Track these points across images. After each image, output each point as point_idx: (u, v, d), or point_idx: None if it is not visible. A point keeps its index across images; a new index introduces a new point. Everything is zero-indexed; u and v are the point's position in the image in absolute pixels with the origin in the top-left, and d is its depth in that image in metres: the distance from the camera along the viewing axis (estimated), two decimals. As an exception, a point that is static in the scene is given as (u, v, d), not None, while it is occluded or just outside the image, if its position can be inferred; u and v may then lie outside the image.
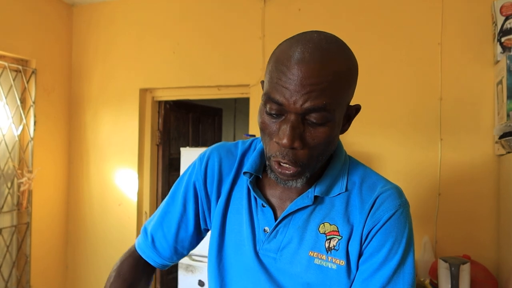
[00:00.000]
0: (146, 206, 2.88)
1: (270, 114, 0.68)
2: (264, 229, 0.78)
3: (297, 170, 0.69)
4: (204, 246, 2.54)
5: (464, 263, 1.64)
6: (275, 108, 0.66)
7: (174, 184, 0.91)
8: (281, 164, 0.69)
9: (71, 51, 3.07)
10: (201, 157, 0.88)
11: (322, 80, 0.63)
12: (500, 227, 1.95)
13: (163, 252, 0.87)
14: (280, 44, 0.72)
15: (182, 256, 0.91)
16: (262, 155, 0.81)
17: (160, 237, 0.87)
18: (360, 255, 0.73)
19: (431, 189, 2.15)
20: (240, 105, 4.62)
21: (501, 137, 1.79)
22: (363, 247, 0.73)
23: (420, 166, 2.18)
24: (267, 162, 0.73)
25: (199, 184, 0.86)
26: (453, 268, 1.62)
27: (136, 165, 2.85)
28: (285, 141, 0.65)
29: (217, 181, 0.85)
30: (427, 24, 2.20)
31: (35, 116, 2.72)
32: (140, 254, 0.88)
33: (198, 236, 0.90)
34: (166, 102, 3.02)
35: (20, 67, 2.66)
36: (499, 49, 1.97)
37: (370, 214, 0.73)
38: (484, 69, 2.10)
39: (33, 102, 2.72)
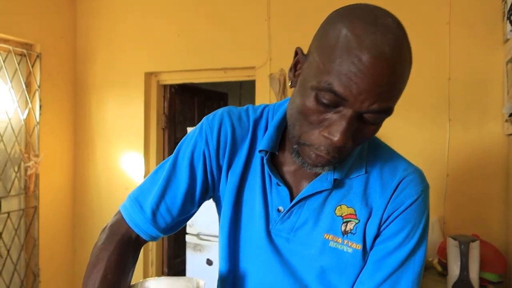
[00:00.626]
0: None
1: (321, 102, 0.59)
2: (278, 209, 0.75)
3: (334, 160, 0.64)
4: (211, 225, 2.53)
5: (473, 241, 1.63)
6: (331, 99, 0.58)
7: (175, 152, 0.80)
8: (319, 155, 0.63)
9: (75, 35, 3.05)
10: (210, 123, 0.78)
11: (396, 80, 0.57)
12: (509, 206, 1.94)
13: (165, 226, 0.78)
14: (341, 17, 0.60)
15: (181, 227, 0.84)
16: (278, 130, 0.75)
17: (163, 211, 0.76)
18: (376, 236, 0.72)
19: (440, 170, 2.14)
20: (245, 91, 4.60)
21: (511, 115, 1.78)
22: (381, 229, 0.71)
23: (428, 147, 2.17)
24: (294, 146, 0.67)
25: (210, 152, 0.77)
26: (462, 246, 1.62)
27: (142, 149, 2.85)
28: (337, 139, 0.59)
29: (229, 151, 0.77)
30: (435, 3, 2.17)
31: (40, 100, 2.72)
32: (134, 229, 0.77)
33: (199, 206, 0.83)
34: (171, 86, 3.00)
35: (24, 51, 2.65)
36: (508, 27, 1.94)
37: (392, 199, 0.70)
38: (493, 48, 2.07)
39: (38, 86, 2.71)
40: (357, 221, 0.71)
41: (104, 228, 0.78)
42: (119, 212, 0.80)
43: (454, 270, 1.64)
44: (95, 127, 3.01)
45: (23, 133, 2.70)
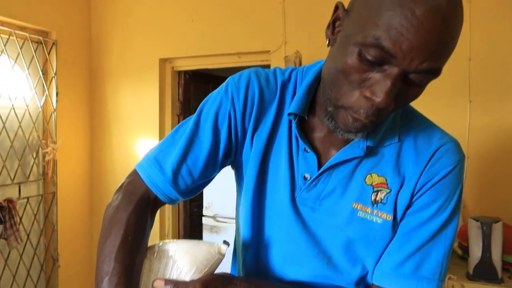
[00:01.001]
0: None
1: (365, 59, 0.55)
2: (304, 176, 0.71)
3: (370, 126, 0.61)
4: (227, 207, 2.53)
5: (496, 222, 1.60)
6: (377, 55, 0.54)
7: (197, 112, 0.75)
8: (357, 119, 0.59)
9: (90, 22, 3.06)
10: (236, 83, 0.73)
11: (450, 38, 0.53)
12: (532, 189, 1.89)
13: (185, 188, 0.74)
14: None
15: (199, 192, 0.79)
16: (308, 93, 0.71)
17: (184, 172, 0.72)
18: (408, 207, 0.69)
19: (459, 153, 2.09)
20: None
21: (536, 94, 1.72)
22: (413, 199, 0.68)
23: (448, 129, 2.06)
24: (329, 109, 0.63)
25: (236, 114, 0.73)
26: (484, 227, 1.58)
27: (157, 136, 2.86)
28: (380, 99, 0.55)
29: (256, 114, 0.73)
30: (456, -20, 2.11)
31: (57, 87, 2.74)
32: (153, 190, 0.72)
33: (220, 170, 0.78)
34: (185, 72, 3.00)
35: (41, 38, 2.67)
36: (533, 3, 1.87)
37: (426, 168, 0.67)
38: (516, 27, 2.01)
39: (55, 74, 2.73)
40: (388, 190, 0.68)
41: (120, 188, 0.73)
42: (135, 171, 0.75)
43: (476, 252, 1.60)
44: (110, 114, 3.03)
45: (41, 119, 2.73)
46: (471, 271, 1.61)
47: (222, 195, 2.33)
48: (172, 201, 0.76)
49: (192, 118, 0.76)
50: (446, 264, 0.70)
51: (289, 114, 0.70)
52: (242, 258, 0.78)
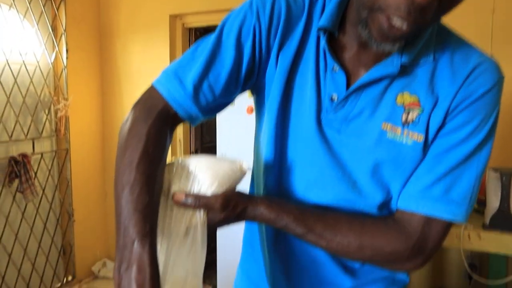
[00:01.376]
0: (179, 134, 2.89)
1: None
2: (331, 97, 0.68)
3: (409, 32, 0.56)
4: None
5: (516, 172, 1.57)
6: None
7: (219, 28, 0.71)
8: (394, 21, 0.55)
9: (99, -23, 2.99)
10: None
11: None
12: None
13: (205, 105, 0.70)
14: None
15: (219, 111, 0.76)
16: (339, 7, 0.67)
17: (205, 88, 0.68)
18: (440, 128, 0.65)
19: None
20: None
21: None
22: (447, 119, 0.65)
23: (467, 83, 2.06)
24: (364, 14, 0.59)
25: (261, 28, 0.68)
26: (504, 178, 1.55)
27: (168, 93, 2.83)
28: None
29: (282, 30, 0.69)
30: None
31: (66, 44, 2.71)
32: (173, 105, 0.68)
33: (241, 91, 0.74)
34: (196, 29, 2.94)
35: (49, -7, 2.62)
36: None
37: (463, 86, 0.64)
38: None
39: (64, 30, 2.69)
40: (420, 110, 0.65)
41: (137, 103, 0.69)
42: (152, 87, 0.71)
43: (494, 202, 1.58)
44: (121, 71, 3.00)
45: (52, 76, 2.72)
46: (487, 221, 1.60)
47: (235, 148, 2.32)
48: (191, 119, 0.73)
49: (214, 34, 0.71)
50: (477, 190, 0.67)
51: (319, 29, 0.67)
52: (263, 182, 0.76)
